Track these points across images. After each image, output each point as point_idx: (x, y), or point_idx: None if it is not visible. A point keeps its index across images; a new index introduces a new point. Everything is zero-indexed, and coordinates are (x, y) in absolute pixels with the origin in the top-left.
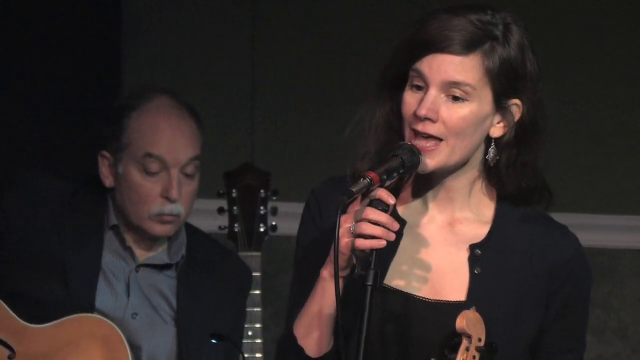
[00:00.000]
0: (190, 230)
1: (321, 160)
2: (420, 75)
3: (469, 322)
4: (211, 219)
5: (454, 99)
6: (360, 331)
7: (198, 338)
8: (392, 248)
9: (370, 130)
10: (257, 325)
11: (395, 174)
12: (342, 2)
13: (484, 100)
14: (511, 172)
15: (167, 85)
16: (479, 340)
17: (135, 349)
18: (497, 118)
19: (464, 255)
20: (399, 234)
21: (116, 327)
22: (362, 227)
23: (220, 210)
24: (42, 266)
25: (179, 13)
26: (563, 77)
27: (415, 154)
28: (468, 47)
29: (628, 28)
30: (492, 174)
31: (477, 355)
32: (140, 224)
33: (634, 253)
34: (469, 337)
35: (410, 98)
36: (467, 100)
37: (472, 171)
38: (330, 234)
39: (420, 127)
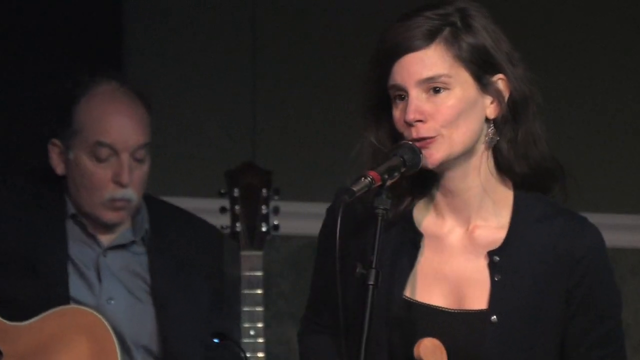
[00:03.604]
0: (151, 202)
1: (323, 160)
2: (396, 85)
3: (426, 350)
4: (213, 219)
5: (435, 92)
6: (362, 330)
7: (177, 309)
8: (411, 261)
9: (368, 157)
10: (259, 325)
11: (396, 173)
12: (344, 2)
13: (465, 84)
14: (515, 151)
15: (169, 85)
16: None
17: (117, 333)
18: (489, 99)
19: (484, 262)
20: (417, 247)
21: (99, 315)
22: None
23: (222, 210)
24: (12, 266)
25: (179, 12)
26: (563, 74)
27: (416, 153)
28: (427, 39)
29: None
30: (499, 160)
31: None
32: (93, 211)
33: (634, 252)
34: None
35: (397, 111)
36: (448, 89)
37: (478, 163)
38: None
39: (414, 133)
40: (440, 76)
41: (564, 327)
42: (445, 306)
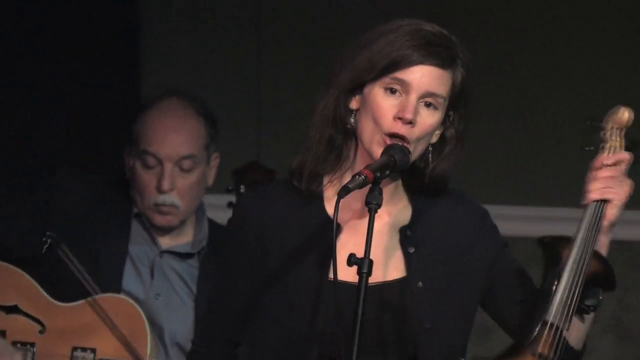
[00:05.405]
0: (213, 226)
1: None
2: (403, 83)
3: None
4: (221, 213)
5: (427, 106)
6: (356, 313)
7: None
8: (330, 247)
9: (316, 130)
10: None
11: (387, 172)
12: (348, 3)
13: (442, 112)
14: (428, 176)
15: (178, 85)
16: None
17: (158, 327)
18: (440, 128)
19: (396, 239)
20: (336, 235)
21: (136, 305)
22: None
23: (229, 205)
24: (75, 253)
25: (186, 14)
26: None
27: (406, 154)
28: (449, 64)
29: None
30: (407, 175)
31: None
32: (145, 213)
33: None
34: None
35: (386, 102)
36: (437, 109)
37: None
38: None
39: (404, 130)
40: (441, 96)
41: (489, 278)
42: (369, 282)
